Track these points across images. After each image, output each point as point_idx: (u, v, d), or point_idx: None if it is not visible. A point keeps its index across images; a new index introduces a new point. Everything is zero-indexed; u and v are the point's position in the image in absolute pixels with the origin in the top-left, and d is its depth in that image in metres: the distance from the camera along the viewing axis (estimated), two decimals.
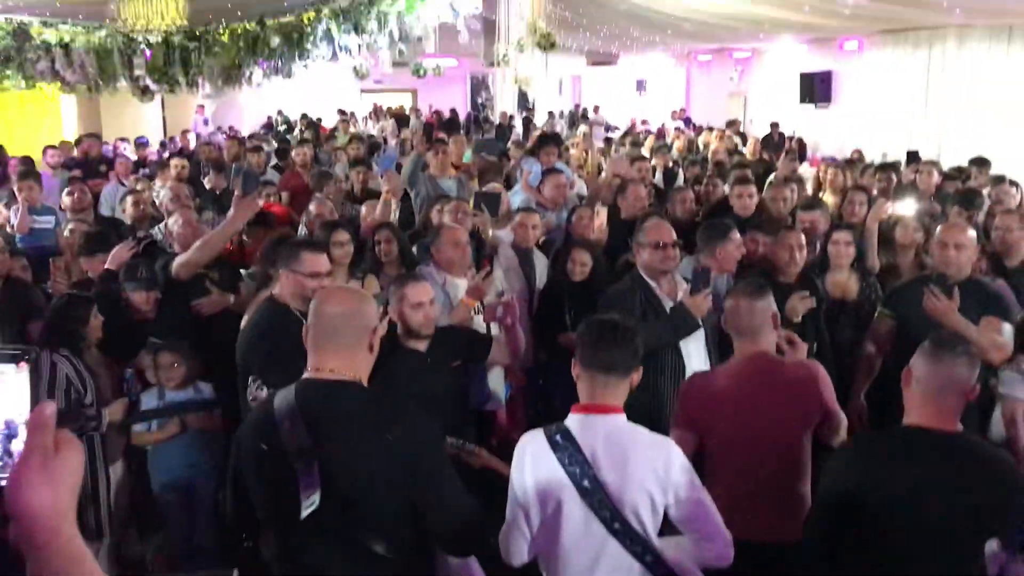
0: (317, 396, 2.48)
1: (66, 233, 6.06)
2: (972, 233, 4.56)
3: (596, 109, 23.18)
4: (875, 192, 7.04)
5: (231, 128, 19.11)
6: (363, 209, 6.17)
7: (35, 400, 1.17)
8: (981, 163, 7.90)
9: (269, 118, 22.50)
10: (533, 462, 2.68)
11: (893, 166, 8.57)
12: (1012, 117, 11.11)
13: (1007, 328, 4.23)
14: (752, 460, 3.21)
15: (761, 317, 3.31)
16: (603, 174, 7.92)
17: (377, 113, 23.06)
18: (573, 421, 2.70)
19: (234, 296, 5.03)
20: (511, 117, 21.12)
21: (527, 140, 13.03)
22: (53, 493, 1.12)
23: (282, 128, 19.95)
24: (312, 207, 6.10)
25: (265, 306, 3.90)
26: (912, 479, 2.64)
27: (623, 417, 2.71)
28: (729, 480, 3.21)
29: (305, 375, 2.54)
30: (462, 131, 16.39)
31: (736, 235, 4.66)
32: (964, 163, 8.95)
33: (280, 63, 10.48)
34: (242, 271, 5.47)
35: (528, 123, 19.95)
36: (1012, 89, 11.25)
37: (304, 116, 20.36)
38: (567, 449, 2.63)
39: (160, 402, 4.48)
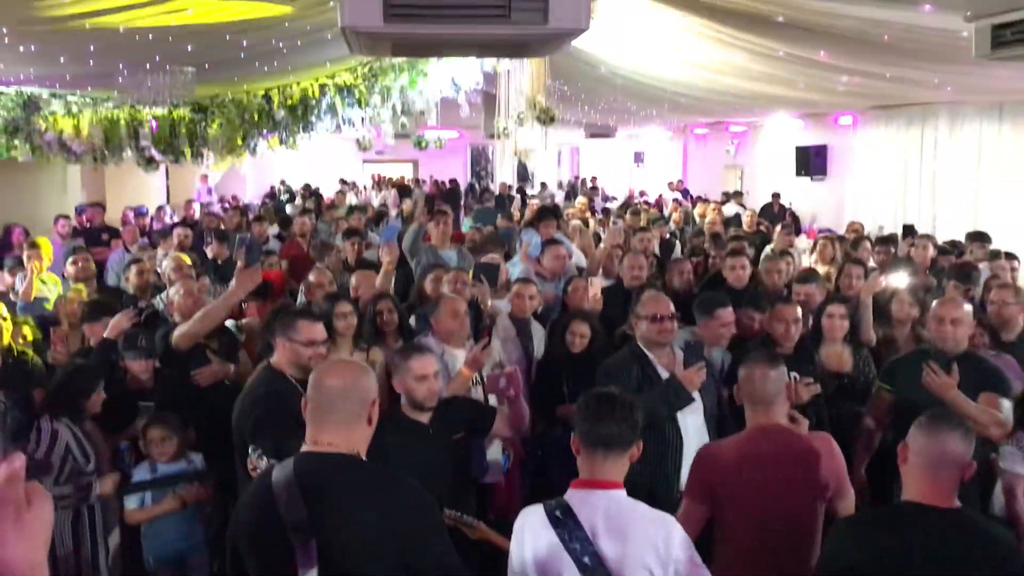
0: (315, 470, 2.47)
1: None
2: (968, 308, 4.59)
3: (594, 180, 23.47)
4: (873, 265, 7.10)
5: (233, 197, 19.32)
6: (352, 280, 6.20)
7: (3, 451, 1.16)
8: (979, 238, 7.99)
9: (272, 187, 22.77)
10: (533, 537, 2.66)
11: (892, 239, 8.66)
12: (1005, 191, 11.26)
13: (1006, 404, 4.24)
14: (766, 532, 3.19)
15: (775, 386, 3.33)
16: (601, 245, 8.00)
17: (379, 183, 23.33)
18: (573, 496, 2.69)
19: (233, 366, 5.05)
20: (511, 188, 21.38)
21: (523, 211, 13.18)
22: (28, 547, 1.11)
23: (284, 197, 20.17)
24: (312, 276, 6.15)
25: (262, 373, 3.93)
26: (910, 556, 2.62)
27: (623, 492, 2.71)
28: (742, 552, 3.20)
29: (303, 448, 2.54)
30: (463, 201, 16.56)
31: (722, 312, 4.73)
32: (959, 237, 9.06)
33: (284, 135, 10.68)
34: (229, 322, 5.47)
35: (521, 194, 20.19)
36: (1004, 164, 11.42)
37: (306, 186, 20.60)
38: (567, 525, 2.62)
39: (152, 475, 4.45)
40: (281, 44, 8.37)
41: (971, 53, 5.41)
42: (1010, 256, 7.20)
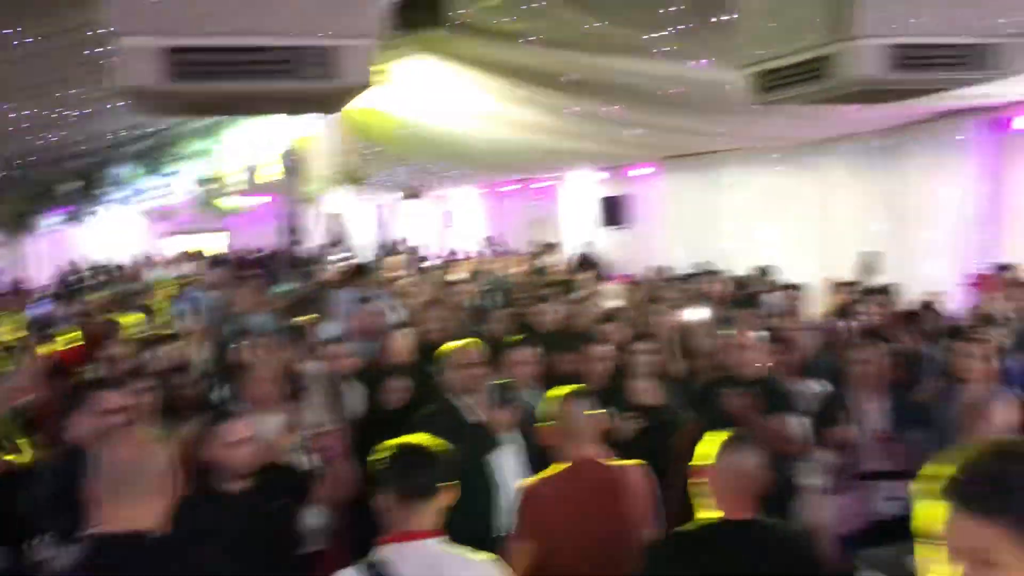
0: (110, 552, 2.30)
1: None
2: (759, 335, 4.94)
3: (405, 240, 23.54)
4: (676, 302, 7.49)
5: (18, 280, 17.96)
6: (153, 353, 5.90)
7: None
8: (765, 272, 8.61)
9: (65, 265, 21.35)
10: None
11: (691, 278, 9.18)
12: (790, 229, 12.18)
13: (798, 422, 4.57)
14: (590, 565, 3.24)
15: (587, 421, 3.42)
16: (415, 299, 8.04)
17: (184, 255, 22.36)
18: (387, 552, 2.62)
19: (16, 454, 4.66)
20: (324, 250, 21.05)
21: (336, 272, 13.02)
22: None
23: (79, 275, 18.96)
24: (108, 352, 5.82)
25: (56, 451, 3.71)
26: (716, 567, 2.76)
27: (439, 540, 2.68)
28: None
29: (94, 529, 2.36)
30: (274, 267, 16.12)
31: (515, 353, 4.98)
32: (754, 274, 9.73)
33: (74, 209, 10.10)
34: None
35: (334, 255, 19.91)
36: (788, 205, 12.37)
37: (100, 262, 19.48)
38: None
39: None
40: (66, 113, 7.96)
41: (748, 103, 5.89)
42: (794, 287, 7.80)
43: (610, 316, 6.18)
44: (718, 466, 2.92)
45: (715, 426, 4.35)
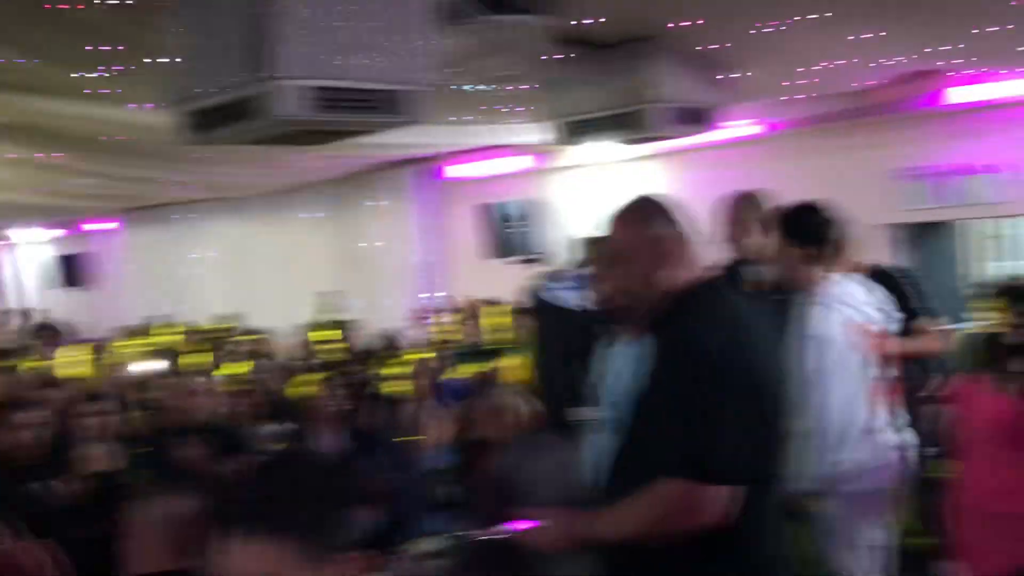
0: None
1: None
2: (213, 379, 4.86)
3: None
4: (131, 358, 7.11)
5: None
6: None
7: None
8: (229, 318, 8.57)
9: None
10: None
11: (149, 331, 8.77)
12: (257, 276, 12.26)
13: (252, 460, 4.56)
14: None
15: None
16: None
17: None
18: None
19: None
20: None
21: None
22: None
23: None
24: None
25: None
26: None
27: None
28: None
29: None
30: None
31: None
32: (218, 323, 9.59)
33: None
34: None
35: None
36: (254, 253, 12.46)
37: None
38: None
39: None
40: None
41: (205, 151, 5.71)
42: (258, 331, 7.90)
43: (49, 381, 5.61)
44: (146, 519, 2.74)
45: (167, 478, 4.17)
